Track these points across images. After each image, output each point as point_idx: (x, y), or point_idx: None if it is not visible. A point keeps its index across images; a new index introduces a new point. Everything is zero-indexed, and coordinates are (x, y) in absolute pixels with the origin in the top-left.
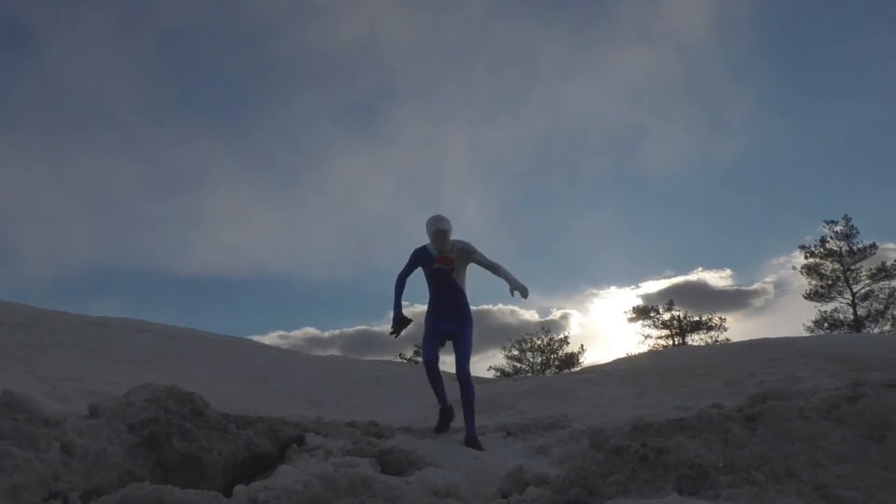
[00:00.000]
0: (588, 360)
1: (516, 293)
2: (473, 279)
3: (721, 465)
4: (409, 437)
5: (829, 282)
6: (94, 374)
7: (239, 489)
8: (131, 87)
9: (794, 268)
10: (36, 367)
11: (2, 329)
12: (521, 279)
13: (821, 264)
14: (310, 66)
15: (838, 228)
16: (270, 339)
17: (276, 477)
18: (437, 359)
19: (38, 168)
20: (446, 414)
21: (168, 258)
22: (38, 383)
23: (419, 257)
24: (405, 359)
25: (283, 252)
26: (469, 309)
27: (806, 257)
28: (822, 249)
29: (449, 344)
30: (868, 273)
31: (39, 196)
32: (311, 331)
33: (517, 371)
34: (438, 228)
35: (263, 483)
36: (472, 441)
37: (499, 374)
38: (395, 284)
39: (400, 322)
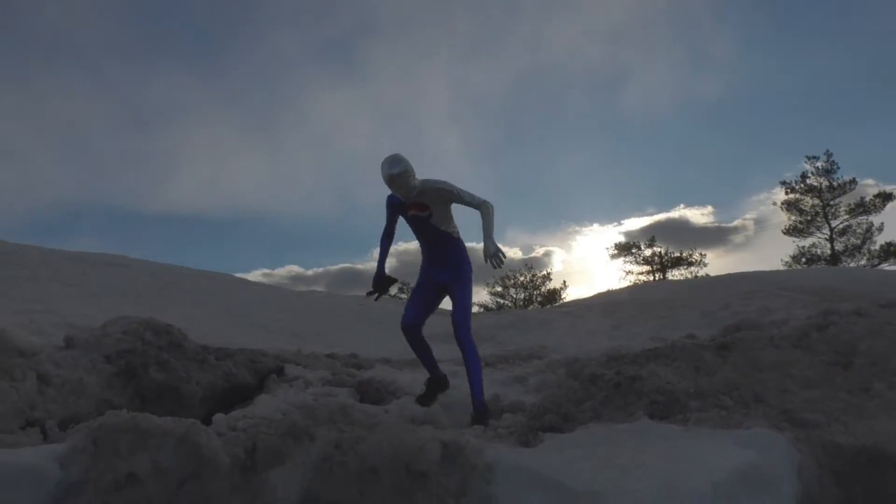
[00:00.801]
0: (570, 296)
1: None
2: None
3: (692, 391)
4: (389, 369)
5: (809, 217)
6: (71, 308)
7: (218, 417)
8: (103, 24)
9: (774, 203)
10: (11, 301)
11: None
12: (503, 221)
13: (801, 200)
14: (287, 3)
15: (819, 164)
16: (254, 277)
17: (256, 406)
18: (416, 324)
19: (5, 105)
20: (435, 383)
21: (144, 197)
22: (14, 316)
23: (393, 206)
24: (389, 294)
25: (263, 190)
26: (465, 257)
27: (786, 192)
28: (802, 185)
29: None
30: (847, 209)
31: (8, 133)
32: (294, 269)
33: (500, 307)
34: (389, 175)
35: (242, 412)
36: (479, 416)
37: (482, 309)
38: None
39: (382, 282)
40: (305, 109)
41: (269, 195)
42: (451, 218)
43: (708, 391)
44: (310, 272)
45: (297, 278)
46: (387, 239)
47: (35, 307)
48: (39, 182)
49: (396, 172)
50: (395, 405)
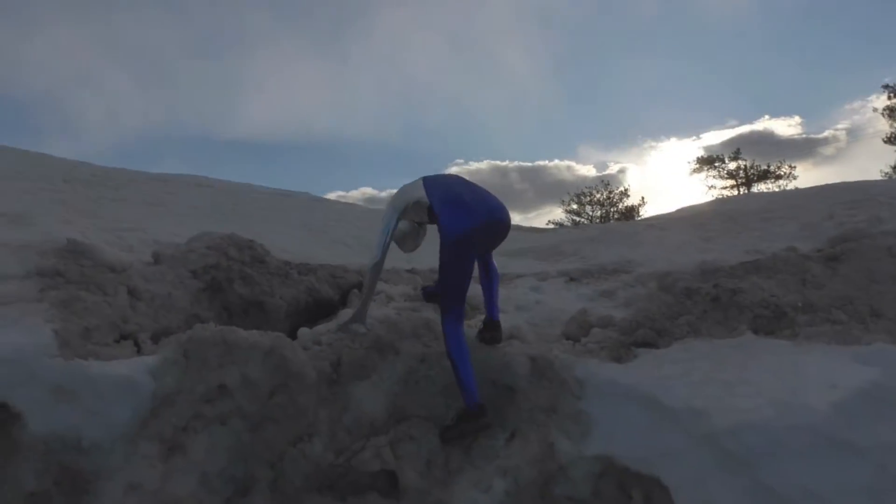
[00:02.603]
0: (649, 213)
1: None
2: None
3: (799, 304)
4: (472, 284)
5: None
6: (158, 226)
7: (303, 331)
8: None
9: (875, 110)
10: (100, 220)
11: (67, 185)
12: (574, 138)
13: None
14: None
15: None
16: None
17: (340, 320)
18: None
19: (88, 37)
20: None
21: (216, 122)
22: (102, 234)
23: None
24: None
25: (332, 114)
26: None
27: (889, 97)
28: None
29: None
30: None
31: (92, 64)
32: (368, 191)
33: (577, 225)
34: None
35: (326, 326)
36: (459, 423)
37: (558, 226)
38: None
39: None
40: (372, 28)
41: (338, 118)
42: (419, 215)
43: (818, 305)
44: (383, 193)
45: (370, 200)
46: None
47: (122, 225)
48: (123, 111)
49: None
50: (478, 321)
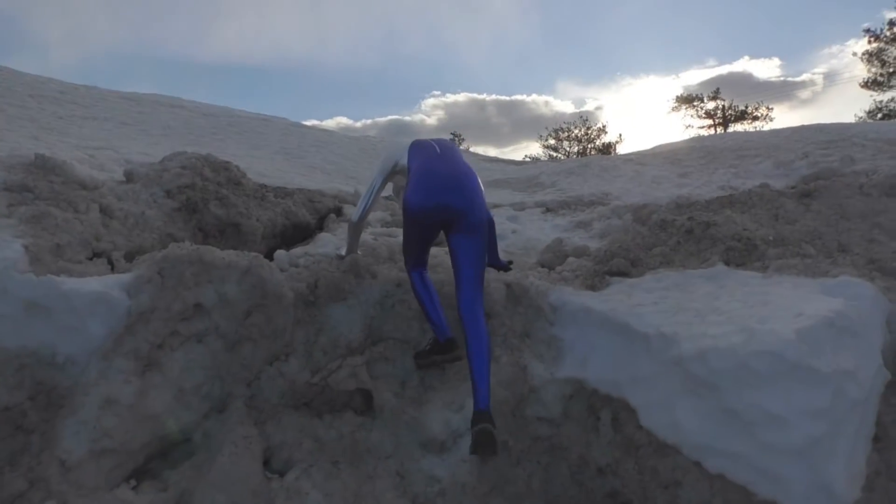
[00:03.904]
0: (625, 151)
1: None
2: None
3: (771, 238)
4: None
5: (891, 69)
6: (130, 145)
7: (280, 254)
8: None
9: (854, 54)
10: (69, 138)
11: (34, 101)
12: (553, 73)
13: (885, 50)
14: None
15: None
16: None
17: (317, 244)
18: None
19: None
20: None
21: (189, 44)
22: (74, 152)
23: None
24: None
25: (307, 38)
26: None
27: (869, 41)
28: (890, 33)
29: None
30: None
31: None
32: (343, 120)
33: (554, 160)
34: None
35: (304, 249)
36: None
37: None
38: None
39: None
40: None
41: (314, 43)
42: (403, 183)
43: (789, 239)
44: (358, 124)
45: (346, 130)
46: None
47: (92, 144)
48: (87, 31)
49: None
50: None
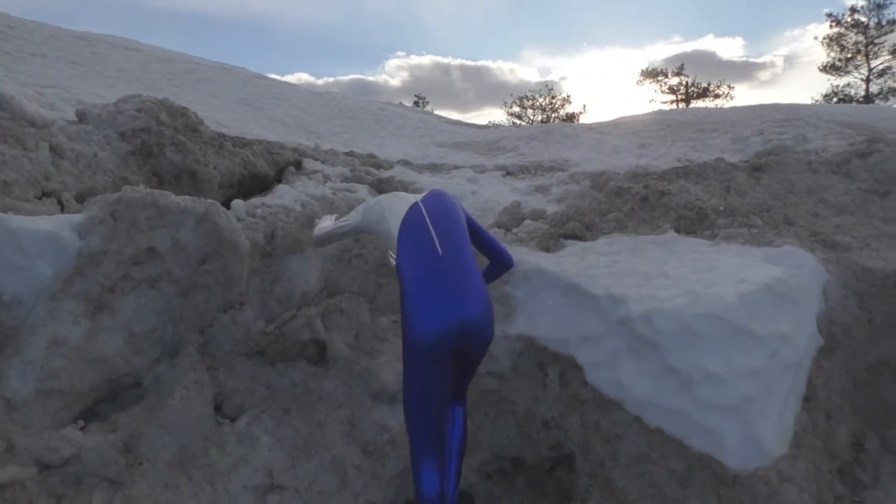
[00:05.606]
0: (589, 122)
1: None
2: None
3: (721, 208)
4: (408, 170)
5: (849, 55)
6: (81, 86)
7: (237, 203)
8: None
9: (815, 38)
10: (17, 74)
11: None
12: (519, 42)
13: (844, 35)
14: None
15: None
16: None
17: (275, 195)
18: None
19: None
20: None
21: None
22: (22, 89)
23: None
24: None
25: None
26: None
27: (831, 26)
28: (850, 19)
29: None
30: (891, 49)
31: None
32: (304, 76)
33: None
34: None
35: (262, 199)
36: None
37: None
38: None
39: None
40: None
41: None
42: (388, 243)
43: (738, 210)
44: (320, 81)
45: (307, 87)
46: None
47: (42, 82)
48: None
49: None
50: None
